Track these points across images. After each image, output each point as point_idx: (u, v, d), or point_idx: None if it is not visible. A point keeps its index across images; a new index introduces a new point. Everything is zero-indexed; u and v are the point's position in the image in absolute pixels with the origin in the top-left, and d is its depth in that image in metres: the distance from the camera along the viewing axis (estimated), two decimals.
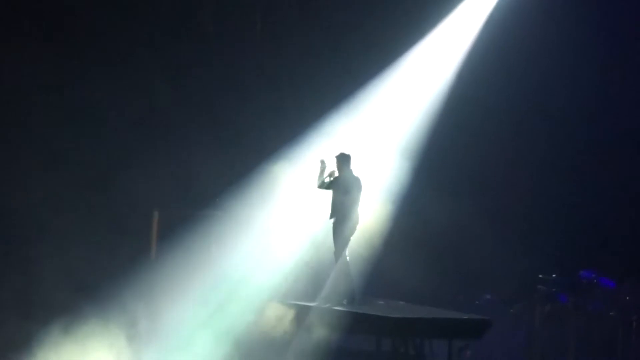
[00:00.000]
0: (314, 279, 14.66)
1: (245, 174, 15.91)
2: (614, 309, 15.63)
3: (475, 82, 17.29)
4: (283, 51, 17.20)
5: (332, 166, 14.38)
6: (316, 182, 14.38)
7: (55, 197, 15.46)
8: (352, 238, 14.16)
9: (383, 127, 16.72)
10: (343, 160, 14.29)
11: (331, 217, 14.20)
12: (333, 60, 17.19)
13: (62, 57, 15.89)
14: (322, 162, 14.36)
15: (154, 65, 16.44)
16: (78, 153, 15.82)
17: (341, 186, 14.15)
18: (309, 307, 13.95)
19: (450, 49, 17.44)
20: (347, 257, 14.13)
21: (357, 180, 14.21)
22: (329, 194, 14.34)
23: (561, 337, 15.47)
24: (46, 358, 13.22)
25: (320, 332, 13.53)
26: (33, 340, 13.45)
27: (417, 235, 16.64)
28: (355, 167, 14.35)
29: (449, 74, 17.40)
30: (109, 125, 16.01)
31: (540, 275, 16.09)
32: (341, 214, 14.08)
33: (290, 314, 14.02)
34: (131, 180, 15.62)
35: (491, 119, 17.59)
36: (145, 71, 16.39)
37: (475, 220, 17.10)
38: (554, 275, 16.01)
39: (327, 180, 14.27)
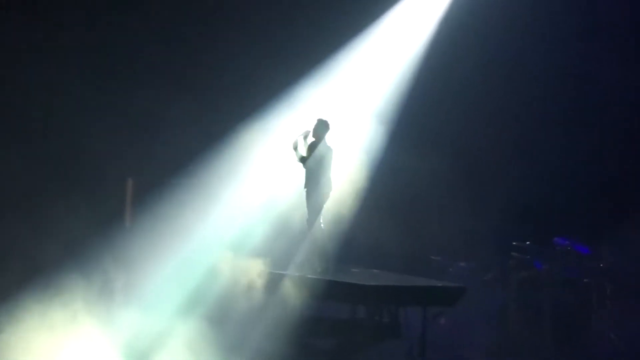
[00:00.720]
0: (288, 247, 14.62)
1: (218, 141, 15.82)
2: (589, 275, 15.65)
3: (452, 45, 17.18)
4: (254, 19, 17.04)
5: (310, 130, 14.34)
6: (297, 154, 14.28)
7: (30, 165, 15.40)
8: (325, 206, 14.13)
9: (358, 91, 16.63)
10: (322, 126, 14.22)
11: (305, 186, 14.15)
12: (307, 24, 17.05)
13: (27, 25, 15.73)
14: (306, 132, 14.28)
15: (123, 31, 16.30)
16: (51, 121, 15.69)
17: (315, 154, 14.08)
18: (282, 275, 13.93)
19: (426, 13, 17.31)
20: (322, 225, 14.11)
21: (330, 150, 14.15)
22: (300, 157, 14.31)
23: (535, 304, 15.48)
24: (19, 323, 13.14)
25: (294, 300, 13.52)
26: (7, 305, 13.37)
27: (392, 202, 16.60)
28: (330, 137, 14.29)
29: (424, 38, 17.28)
30: (82, 93, 15.88)
31: (515, 243, 16.09)
32: (315, 182, 14.03)
33: (264, 282, 13.99)
34: (105, 149, 15.55)
35: (468, 81, 17.49)
36: (115, 38, 16.25)
37: (449, 187, 17.08)
38: (528, 243, 16.02)
39: (304, 147, 14.19)
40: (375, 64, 16.96)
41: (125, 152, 15.67)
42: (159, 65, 16.56)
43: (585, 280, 15.58)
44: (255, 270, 14.16)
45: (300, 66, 16.41)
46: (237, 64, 16.88)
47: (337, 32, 16.72)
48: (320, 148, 14.11)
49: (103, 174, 15.76)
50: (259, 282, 13.98)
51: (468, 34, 17.10)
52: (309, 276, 13.73)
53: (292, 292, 13.58)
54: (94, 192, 15.61)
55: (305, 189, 14.16)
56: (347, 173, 15.03)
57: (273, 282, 13.92)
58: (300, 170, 14.27)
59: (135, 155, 15.76)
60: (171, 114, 16.08)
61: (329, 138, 14.23)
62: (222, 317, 13.73)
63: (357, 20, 16.91)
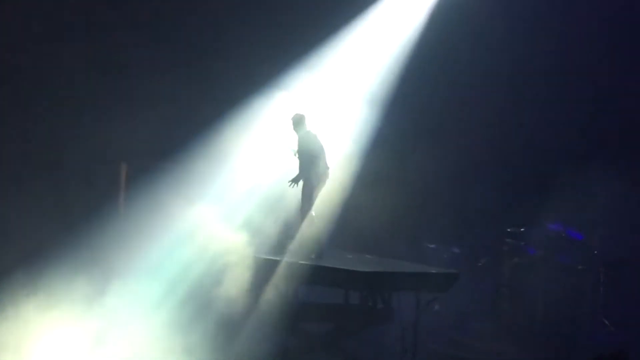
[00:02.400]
0: (282, 233, 14.60)
1: (211, 125, 15.78)
2: (582, 261, 15.68)
3: (444, 31, 17.09)
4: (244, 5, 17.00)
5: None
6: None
7: (24, 151, 15.41)
8: (320, 193, 14.11)
9: (351, 75, 16.55)
10: (296, 121, 14.18)
11: (299, 177, 14.11)
12: (297, 11, 16.99)
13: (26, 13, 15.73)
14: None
15: (120, 17, 16.24)
16: (44, 107, 15.65)
17: (302, 147, 14.07)
18: (276, 261, 13.92)
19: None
20: (313, 212, 14.10)
21: (315, 137, 14.11)
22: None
23: (529, 290, 15.52)
24: (12, 308, 13.13)
25: (288, 286, 13.53)
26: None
27: (385, 188, 16.54)
28: (312, 125, 14.26)
29: (416, 23, 17.18)
30: (75, 77, 15.83)
31: (509, 229, 16.10)
32: (306, 171, 14.02)
33: (257, 268, 13.98)
34: (99, 133, 15.52)
35: (462, 64, 17.41)
36: (113, 24, 16.20)
37: (443, 172, 17.05)
38: (522, 229, 16.03)
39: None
40: (367, 48, 16.87)
41: (118, 136, 15.61)
42: (152, 49, 16.50)
43: (579, 267, 15.62)
44: (247, 255, 14.15)
45: (294, 50, 16.32)
46: (229, 48, 16.81)
47: (329, 18, 16.61)
48: (302, 138, 14.09)
49: (96, 157, 15.73)
50: (252, 268, 13.97)
51: (462, 19, 17.00)
52: (303, 262, 13.71)
53: (286, 278, 13.57)
54: (87, 176, 15.59)
55: (301, 179, 14.14)
56: (339, 159, 14.99)
57: (266, 268, 13.90)
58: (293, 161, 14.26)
59: (128, 139, 15.72)
60: (164, 97, 16.06)
61: (309, 126, 14.18)
62: (214, 302, 13.72)
63: (350, 6, 16.82)
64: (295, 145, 14.21)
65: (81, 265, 13.82)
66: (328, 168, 14.22)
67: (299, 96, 15.33)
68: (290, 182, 14.14)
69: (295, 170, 14.19)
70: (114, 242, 14.68)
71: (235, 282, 13.88)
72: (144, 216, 14.98)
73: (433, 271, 14.11)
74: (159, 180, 15.29)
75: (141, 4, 16.46)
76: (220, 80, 16.44)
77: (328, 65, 16.38)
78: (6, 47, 15.63)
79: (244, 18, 16.88)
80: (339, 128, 15.30)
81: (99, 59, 16.06)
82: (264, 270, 13.89)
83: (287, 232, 14.45)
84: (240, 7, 16.90)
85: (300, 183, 14.14)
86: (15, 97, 15.68)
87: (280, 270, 13.71)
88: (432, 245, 16.73)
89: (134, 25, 16.36)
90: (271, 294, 13.60)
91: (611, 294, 15.53)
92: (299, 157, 14.12)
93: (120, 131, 15.55)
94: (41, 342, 12.87)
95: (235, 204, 14.99)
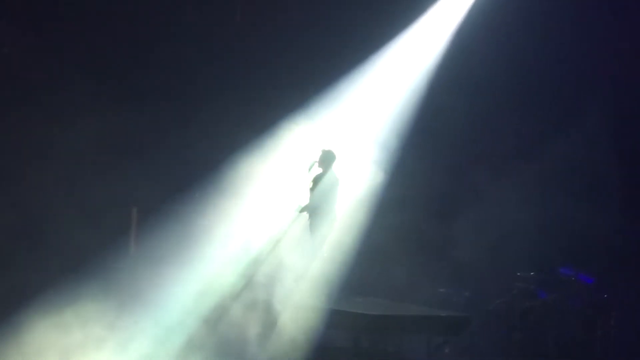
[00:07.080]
0: (289, 275, 14.61)
1: (219, 168, 15.82)
2: (593, 305, 15.64)
3: (463, 66, 17.08)
4: (261, 42, 17.08)
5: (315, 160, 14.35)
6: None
7: (37, 196, 15.48)
8: (330, 236, 14.15)
9: (364, 116, 16.55)
10: (328, 157, 14.23)
11: (310, 215, 14.15)
12: (315, 49, 17.06)
13: (45, 56, 15.88)
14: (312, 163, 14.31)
15: (135, 61, 16.40)
16: (58, 153, 15.75)
17: (322, 186, 14.11)
18: (285, 303, 13.92)
19: (436, 35, 17.22)
20: (324, 254, 14.12)
21: (337, 181, 14.16)
22: (306, 188, 14.31)
23: (540, 334, 15.47)
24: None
25: (296, 329, 13.51)
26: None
27: (397, 234, 16.51)
28: (337, 166, 14.30)
29: (434, 58, 17.16)
30: (88, 123, 15.94)
31: (519, 273, 16.07)
32: (320, 213, 14.05)
33: (266, 310, 13.99)
34: (110, 177, 15.59)
35: (480, 100, 17.35)
36: (128, 68, 16.36)
37: (454, 218, 17.03)
38: (532, 273, 16.00)
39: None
40: (385, 86, 16.85)
41: (130, 181, 15.69)
42: (161, 90, 16.61)
43: (589, 310, 15.59)
44: (258, 299, 14.17)
45: (309, 89, 16.37)
46: (239, 87, 16.91)
47: (346, 56, 16.65)
48: (327, 179, 14.14)
49: (109, 202, 15.78)
50: (263, 311, 13.98)
51: (482, 51, 16.96)
52: (312, 305, 13.71)
53: (294, 321, 13.57)
54: (98, 221, 15.63)
55: (311, 219, 14.17)
56: (351, 203, 15.03)
57: (275, 310, 13.92)
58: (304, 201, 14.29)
59: (139, 182, 15.79)
60: (173, 140, 16.16)
61: (335, 168, 14.25)
62: (224, 346, 13.70)
63: (365, 46, 16.87)
64: (313, 181, 14.22)
65: (91, 306, 13.83)
66: (336, 218, 14.24)
67: (319, 130, 15.35)
68: (299, 209, 14.19)
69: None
70: (124, 284, 14.69)
71: (244, 327, 13.88)
72: (154, 259, 15.03)
73: (444, 315, 14.10)
74: (171, 224, 15.36)
75: (154, 45, 16.60)
76: (233, 121, 16.50)
77: (348, 99, 16.37)
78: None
79: (261, 56, 16.98)
80: (356, 165, 15.32)
81: (112, 100, 16.16)
82: (273, 314, 13.91)
83: (296, 274, 14.47)
84: (258, 45, 17.00)
85: (312, 223, 14.17)
86: (31, 138, 15.80)
87: (288, 313, 13.72)
88: (443, 289, 16.68)
89: (143, 66, 16.50)
90: (279, 336, 13.59)
91: (622, 338, 15.46)
92: (314, 195, 14.14)
93: (132, 173, 15.64)
94: None
95: (246, 245, 15.03)
